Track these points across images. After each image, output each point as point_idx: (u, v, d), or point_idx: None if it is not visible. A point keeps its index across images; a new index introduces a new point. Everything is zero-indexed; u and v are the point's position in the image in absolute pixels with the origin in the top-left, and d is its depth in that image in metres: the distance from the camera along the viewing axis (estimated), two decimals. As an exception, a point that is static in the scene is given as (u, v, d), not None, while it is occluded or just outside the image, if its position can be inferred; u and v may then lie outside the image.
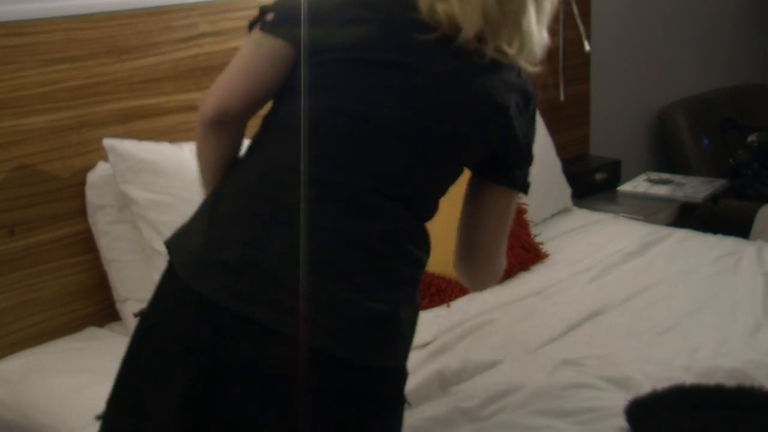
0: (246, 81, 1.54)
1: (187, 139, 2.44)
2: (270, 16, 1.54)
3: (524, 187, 1.64)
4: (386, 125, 1.50)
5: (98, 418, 1.62)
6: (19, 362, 2.26)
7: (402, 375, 1.56)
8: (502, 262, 1.70)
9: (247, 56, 1.55)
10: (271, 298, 1.44)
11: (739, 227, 3.31)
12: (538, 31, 1.55)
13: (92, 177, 2.37)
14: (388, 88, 1.51)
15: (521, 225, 2.81)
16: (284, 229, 1.47)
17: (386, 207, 1.50)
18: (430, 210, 1.60)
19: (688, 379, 2.01)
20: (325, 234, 1.47)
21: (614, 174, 3.70)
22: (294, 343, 1.42)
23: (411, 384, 2.05)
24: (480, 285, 1.75)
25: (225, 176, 1.58)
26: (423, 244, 1.58)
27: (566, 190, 3.26)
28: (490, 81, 1.54)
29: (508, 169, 1.61)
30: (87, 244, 2.40)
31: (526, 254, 2.77)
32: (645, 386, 1.99)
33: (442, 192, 1.60)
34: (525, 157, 1.62)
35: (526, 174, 1.64)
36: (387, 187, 1.51)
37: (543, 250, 2.84)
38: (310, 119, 1.51)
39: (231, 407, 1.46)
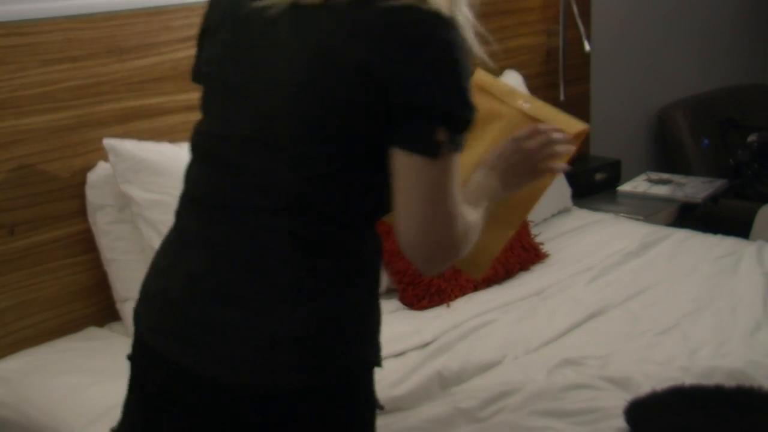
0: None
1: (186, 139, 2.43)
2: None
3: (427, 149, 1.32)
4: (248, 137, 1.41)
5: None
6: (19, 362, 2.26)
7: (332, 390, 1.43)
8: (448, 238, 1.38)
9: None
10: (172, 327, 1.44)
11: (739, 227, 3.31)
12: None
13: (92, 177, 2.37)
14: (240, 97, 1.43)
15: (521, 225, 2.81)
16: (186, 258, 1.46)
17: (276, 222, 1.39)
18: (350, 208, 1.41)
19: (688, 379, 2.01)
20: (219, 259, 1.43)
21: (614, 174, 3.70)
22: (190, 374, 1.41)
23: (410, 384, 2.06)
24: (424, 267, 1.43)
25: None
26: (337, 249, 1.42)
27: (566, 190, 3.26)
28: (334, 34, 1.32)
29: (402, 128, 1.33)
30: (87, 244, 2.40)
31: (526, 254, 2.77)
32: (645, 386, 1.99)
33: (357, 183, 1.39)
34: (419, 112, 1.31)
35: (429, 132, 1.31)
36: (272, 201, 1.39)
37: (543, 250, 2.84)
38: (196, 144, 1.51)
39: None
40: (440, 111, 1.31)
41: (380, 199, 1.41)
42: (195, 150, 1.51)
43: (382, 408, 1.57)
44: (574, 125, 1.76)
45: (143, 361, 1.50)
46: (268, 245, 1.40)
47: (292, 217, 1.39)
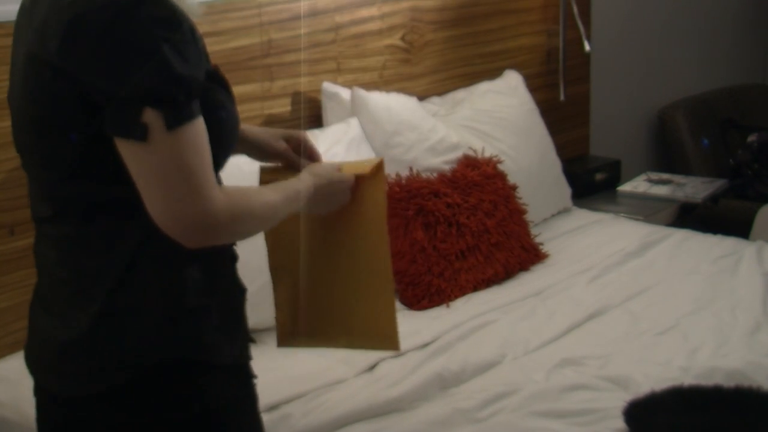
0: None
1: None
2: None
3: (135, 133, 1.27)
4: (21, 152, 1.49)
5: None
6: (19, 362, 2.23)
7: (127, 392, 1.41)
8: (199, 215, 1.32)
9: None
10: (27, 337, 1.54)
11: (739, 227, 3.31)
12: None
13: (92, 177, 2.37)
14: (10, 114, 1.49)
15: (521, 225, 2.82)
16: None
17: (48, 230, 1.45)
18: (102, 203, 1.37)
19: (688, 379, 2.01)
20: (38, 271, 1.52)
21: (614, 174, 3.70)
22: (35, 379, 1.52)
23: (410, 384, 2.06)
24: (186, 244, 1.35)
25: None
26: (100, 247, 1.39)
27: (566, 190, 3.26)
28: (32, 36, 1.33)
29: (108, 116, 1.29)
30: (87, 244, 2.40)
31: (526, 254, 2.77)
32: (644, 386, 1.99)
33: (97, 177, 1.36)
34: (116, 99, 1.27)
35: (133, 115, 1.27)
36: (46, 208, 1.44)
37: (543, 251, 2.85)
38: None
39: None
40: (140, 92, 1.26)
41: (128, 188, 1.36)
42: None
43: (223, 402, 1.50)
44: (366, 165, 1.74)
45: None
46: (56, 252, 1.45)
47: (64, 219, 1.42)
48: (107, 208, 1.38)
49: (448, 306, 2.52)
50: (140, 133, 1.27)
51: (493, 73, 3.32)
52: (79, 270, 1.41)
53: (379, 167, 1.71)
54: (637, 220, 3.26)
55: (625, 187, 3.65)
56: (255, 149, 1.74)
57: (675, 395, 1.92)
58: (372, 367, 2.16)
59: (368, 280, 1.77)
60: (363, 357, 2.15)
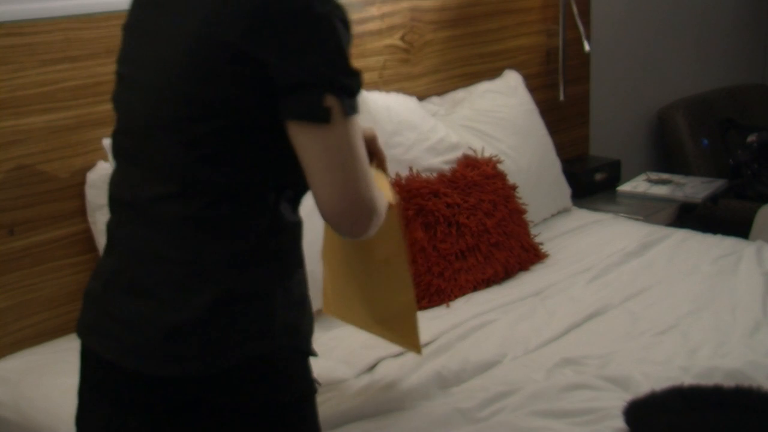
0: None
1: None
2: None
3: (318, 116, 1.35)
4: (146, 126, 1.47)
5: None
6: (19, 362, 2.26)
7: (236, 376, 1.45)
8: (367, 198, 1.40)
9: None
10: (97, 324, 1.51)
11: (739, 227, 3.31)
12: None
13: (92, 176, 2.37)
14: (137, 86, 1.50)
15: (521, 225, 2.82)
16: (109, 259, 1.53)
17: (167, 209, 1.44)
18: (244, 187, 1.41)
19: (688, 379, 2.01)
20: (131, 254, 1.49)
21: (614, 174, 3.70)
22: (113, 367, 1.48)
23: (410, 384, 2.06)
24: (351, 231, 1.43)
25: None
26: (233, 230, 1.43)
27: (566, 190, 3.26)
28: (211, 16, 1.36)
29: (290, 101, 1.37)
30: (87, 244, 2.40)
31: (525, 254, 2.77)
32: (644, 386, 1.99)
33: (248, 161, 1.41)
34: (303, 83, 1.35)
35: (317, 100, 1.35)
36: (169, 186, 1.43)
37: (543, 250, 2.85)
38: (112, 146, 1.57)
39: None
40: (324, 79, 1.35)
41: (276, 176, 1.44)
42: (112, 153, 1.58)
43: (319, 384, 1.59)
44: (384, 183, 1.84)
45: (81, 362, 1.57)
46: (168, 233, 1.45)
47: (189, 201, 1.43)
48: (237, 193, 1.42)
49: (448, 306, 2.52)
50: (325, 116, 1.34)
51: (493, 73, 3.32)
52: (200, 252, 1.43)
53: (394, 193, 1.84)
54: (637, 220, 3.26)
55: (625, 187, 3.65)
56: None
57: (675, 395, 1.92)
58: (372, 367, 2.16)
59: (390, 294, 1.93)
60: (363, 357, 2.15)
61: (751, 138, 3.96)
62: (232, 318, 1.43)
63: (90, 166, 2.38)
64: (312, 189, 1.40)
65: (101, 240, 2.37)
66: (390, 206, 1.71)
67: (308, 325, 1.54)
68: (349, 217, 1.39)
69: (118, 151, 1.55)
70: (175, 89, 1.42)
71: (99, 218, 2.37)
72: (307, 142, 1.36)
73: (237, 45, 1.35)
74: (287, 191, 1.48)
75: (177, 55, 1.41)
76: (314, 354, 1.55)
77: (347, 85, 1.37)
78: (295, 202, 1.52)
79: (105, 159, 2.37)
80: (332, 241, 2.00)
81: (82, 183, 2.37)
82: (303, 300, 1.53)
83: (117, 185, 1.54)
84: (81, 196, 2.37)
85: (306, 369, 1.54)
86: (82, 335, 1.55)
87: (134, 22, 1.54)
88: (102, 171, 2.37)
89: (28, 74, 2.24)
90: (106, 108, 2.36)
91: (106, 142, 2.34)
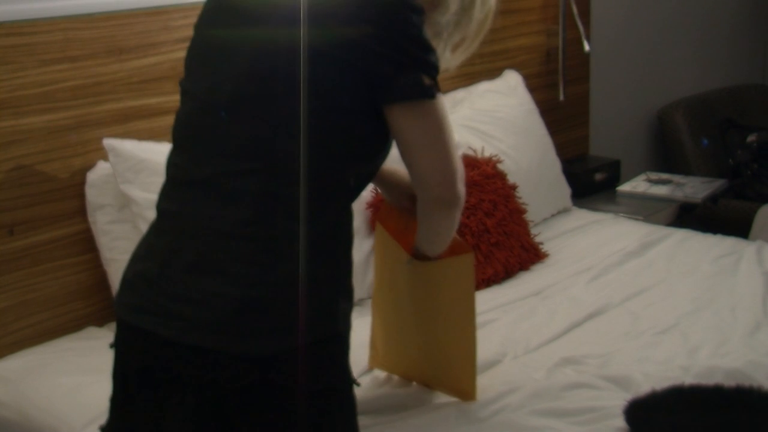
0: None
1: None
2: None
3: (416, 93, 1.48)
4: (232, 99, 1.50)
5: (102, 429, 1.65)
6: (19, 362, 2.26)
7: (311, 355, 1.47)
8: (451, 187, 1.53)
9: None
10: (152, 304, 1.49)
11: (739, 227, 3.31)
12: None
13: (92, 176, 2.37)
14: (225, 59, 1.53)
15: (521, 225, 2.82)
16: (164, 240, 1.53)
17: (243, 185, 1.46)
18: (330, 172, 1.48)
19: (688, 379, 2.01)
20: (195, 232, 1.49)
21: (614, 174, 3.70)
22: (173, 345, 1.47)
23: (410, 383, 2.05)
24: (460, 202, 1.57)
25: None
26: (312, 212, 1.47)
27: (566, 190, 3.26)
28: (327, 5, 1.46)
29: (396, 85, 1.47)
30: (87, 244, 2.40)
31: (526, 254, 2.77)
32: (644, 386, 1.99)
33: (339, 146, 1.48)
34: (406, 67, 1.47)
35: (415, 79, 1.48)
36: (252, 162, 1.46)
37: (543, 250, 2.85)
38: (178, 126, 1.59)
39: (144, 415, 1.53)
40: (420, 62, 1.48)
41: (356, 162, 1.51)
42: (177, 133, 1.58)
43: (358, 384, 1.63)
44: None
45: (125, 344, 1.55)
46: (243, 208, 1.46)
47: (270, 177, 1.45)
48: (319, 175, 1.46)
49: (448, 306, 2.52)
50: (430, 92, 1.48)
51: (493, 73, 3.32)
52: (276, 229, 1.46)
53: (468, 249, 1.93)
54: (637, 220, 3.26)
55: (625, 187, 3.65)
56: (384, 186, 1.91)
57: (675, 395, 1.92)
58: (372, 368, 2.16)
59: (450, 338, 1.98)
60: (363, 357, 2.15)
61: (751, 138, 3.96)
62: (303, 298, 1.45)
63: (90, 166, 2.38)
64: (415, 164, 1.51)
65: (101, 240, 2.37)
66: (468, 250, 1.91)
67: (350, 317, 1.59)
68: (450, 184, 1.51)
69: (188, 131, 1.55)
70: (270, 68, 1.47)
71: (99, 218, 2.37)
72: (412, 120, 1.48)
73: (344, 27, 1.44)
74: (359, 183, 1.56)
75: (285, 32, 1.46)
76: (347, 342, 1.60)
77: (434, 65, 1.50)
78: (357, 193, 1.58)
79: (105, 159, 2.37)
80: (392, 284, 2.01)
81: (82, 183, 2.37)
82: (353, 293, 1.59)
83: (178, 165, 1.56)
84: (81, 196, 2.37)
85: (349, 359, 1.59)
86: (128, 316, 1.53)
87: (213, 10, 1.58)
88: (102, 171, 2.37)
89: (28, 74, 2.24)
90: (106, 108, 2.39)
91: (107, 143, 2.34)
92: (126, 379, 1.55)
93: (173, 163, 1.57)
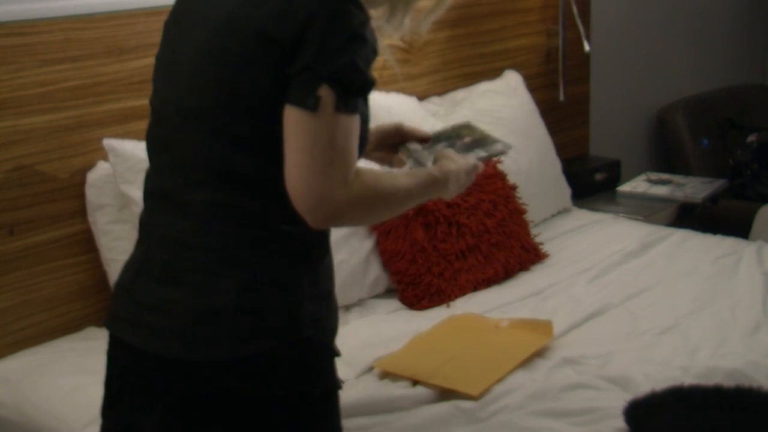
0: None
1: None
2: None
3: (306, 103, 1.40)
4: (178, 114, 1.51)
5: None
6: (19, 362, 2.26)
7: (261, 362, 1.48)
8: (330, 191, 1.41)
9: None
10: (126, 313, 1.54)
11: (739, 227, 3.31)
12: None
13: (92, 176, 2.37)
14: (172, 75, 1.55)
15: (521, 225, 2.82)
16: (139, 249, 1.58)
17: (195, 197, 1.48)
18: (273, 177, 1.44)
19: (688, 379, 2.01)
20: (161, 243, 1.53)
21: (614, 174, 3.69)
22: (143, 353, 1.50)
23: (410, 384, 2.05)
24: (309, 218, 1.44)
25: None
26: (262, 219, 1.47)
27: (566, 191, 3.26)
28: (240, 4, 1.44)
29: (291, 86, 1.42)
30: (87, 244, 2.40)
31: (526, 254, 2.77)
32: (644, 386, 1.99)
33: (276, 151, 1.44)
34: (305, 70, 1.41)
35: (311, 88, 1.40)
36: (199, 174, 1.48)
37: (543, 251, 2.85)
38: (147, 139, 1.61)
39: (124, 421, 1.58)
40: (325, 70, 1.40)
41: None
42: (147, 146, 1.61)
43: (339, 387, 1.61)
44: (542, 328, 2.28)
45: (109, 352, 1.60)
46: (197, 220, 1.49)
47: (216, 188, 1.47)
48: (263, 182, 1.46)
49: (448, 306, 2.52)
50: (312, 104, 1.39)
51: (493, 73, 3.31)
52: (227, 239, 1.47)
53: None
54: (637, 220, 3.26)
55: (625, 188, 3.65)
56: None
57: (675, 395, 1.92)
58: (372, 368, 2.16)
59: (496, 357, 2.14)
60: (364, 358, 2.15)
61: (751, 138, 3.96)
62: (259, 305, 1.47)
63: (90, 166, 2.38)
64: (285, 169, 1.42)
65: (101, 240, 2.37)
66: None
67: (334, 321, 1.57)
68: (306, 203, 1.41)
69: (151, 143, 1.59)
70: (205, 76, 1.47)
71: (99, 218, 2.37)
72: (290, 124, 1.41)
73: (267, 29, 1.41)
74: None
75: (207, 42, 1.47)
76: (338, 353, 1.58)
77: (347, 82, 1.41)
78: None
79: (105, 159, 2.37)
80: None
81: (82, 183, 2.37)
82: (329, 295, 1.56)
83: (149, 177, 1.59)
84: (81, 196, 2.37)
85: (331, 365, 1.57)
86: (110, 325, 1.58)
87: (173, 16, 1.61)
88: (102, 171, 2.37)
89: (29, 74, 2.24)
90: (106, 108, 2.39)
91: (107, 143, 2.34)
92: (110, 387, 1.60)
93: (146, 174, 1.61)
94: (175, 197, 1.51)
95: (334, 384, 1.58)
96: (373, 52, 1.47)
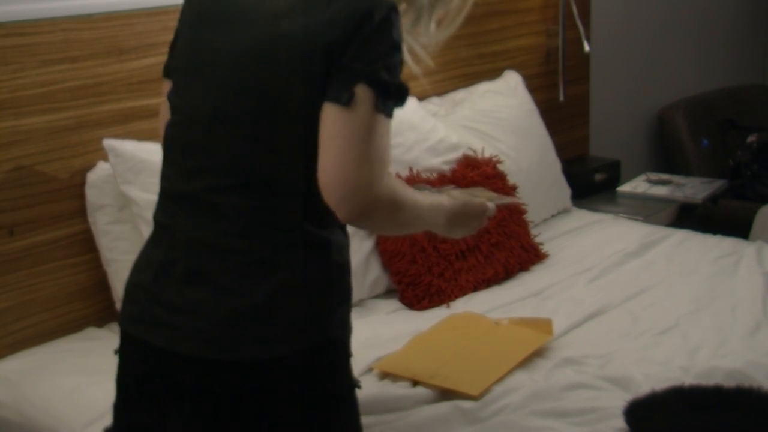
0: None
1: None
2: None
3: (341, 98, 1.42)
4: (212, 116, 1.52)
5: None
6: (19, 362, 2.26)
7: (294, 362, 1.49)
8: (363, 180, 1.42)
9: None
10: (148, 314, 1.54)
11: (739, 228, 3.31)
12: None
13: (92, 177, 2.37)
14: (205, 77, 1.55)
15: (521, 225, 2.82)
16: (158, 250, 1.57)
17: (227, 200, 1.50)
18: (308, 181, 1.46)
19: (688, 379, 2.01)
20: (188, 244, 1.53)
21: (614, 174, 3.70)
22: (168, 353, 1.51)
23: (410, 384, 2.05)
24: (339, 207, 1.45)
25: None
26: (297, 222, 1.49)
27: (566, 191, 3.26)
28: (286, 8, 1.47)
29: (330, 86, 1.44)
30: (87, 245, 2.40)
31: (526, 254, 2.77)
32: (644, 386, 1.99)
33: (314, 156, 1.45)
34: (344, 70, 1.43)
35: (348, 86, 1.43)
36: (234, 177, 1.49)
37: (543, 251, 2.85)
38: (167, 139, 1.61)
39: (145, 422, 1.57)
40: (364, 70, 1.42)
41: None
42: (166, 147, 1.61)
43: (359, 387, 1.62)
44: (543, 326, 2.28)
45: (126, 353, 1.59)
46: (231, 222, 1.49)
47: (250, 192, 1.48)
48: (297, 185, 1.48)
49: (448, 306, 2.52)
50: (347, 100, 1.41)
51: (493, 74, 3.32)
52: (260, 241, 1.48)
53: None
54: (637, 220, 3.26)
55: (625, 188, 3.65)
56: None
57: (675, 395, 1.92)
58: (372, 369, 2.16)
59: (497, 355, 2.14)
60: (364, 358, 2.15)
61: (751, 138, 3.96)
62: (291, 306, 1.48)
63: (90, 167, 2.38)
64: (318, 163, 1.43)
65: (101, 240, 2.37)
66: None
67: (350, 323, 1.59)
68: (340, 195, 1.42)
69: (173, 145, 1.58)
70: (247, 82, 1.48)
71: (99, 218, 2.37)
72: (326, 120, 1.42)
73: (316, 38, 1.43)
74: None
75: (252, 48, 1.48)
76: (351, 353, 1.60)
77: (384, 83, 1.43)
78: None
79: (105, 159, 2.37)
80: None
81: (82, 183, 2.37)
82: (350, 297, 1.58)
83: (169, 178, 1.58)
84: (81, 196, 2.37)
85: (350, 364, 1.59)
86: (128, 326, 1.57)
87: (199, 16, 1.59)
88: (102, 171, 2.37)
89: (29, 74, 2.24)
90: (106, 108, 2.39)
91: (107, 143, 2.34)
92: (127, 388, 1.58)
93: (164, 175, 1.60)
94: (204, 199, 1.51)
95: (353, 383, 1.60)
96: (402, 57, 1.50)
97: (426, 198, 1.60)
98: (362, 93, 1.42)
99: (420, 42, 1.65)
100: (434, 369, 2.06)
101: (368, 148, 1.42)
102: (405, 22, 1.60)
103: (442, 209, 1.63)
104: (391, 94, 1.45)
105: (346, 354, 1.58)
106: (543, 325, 2.26)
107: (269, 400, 1.49)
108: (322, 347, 1.51)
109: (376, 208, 1.44)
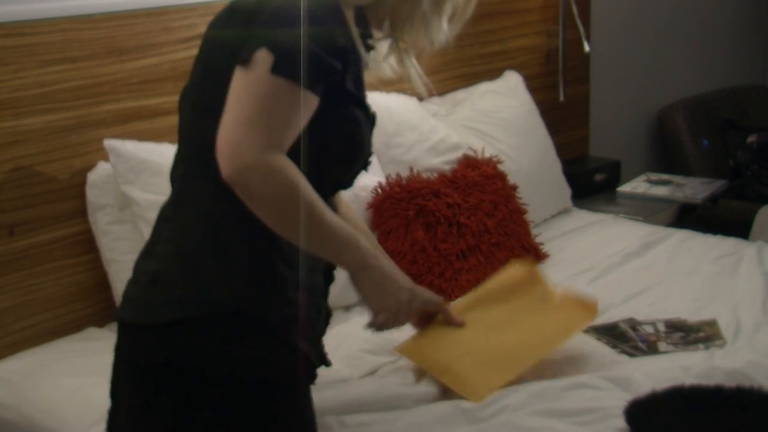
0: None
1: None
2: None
3: (241, 59, 1.48)
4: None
5: None
6: (19, 363, 2.26)
7: (208, 323, 1.52)
8: (245, 145, 1.43)
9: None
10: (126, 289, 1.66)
11: (739, 228, 3.31)
12: None
13: (92, 177, 2.37)
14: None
15: (521, 225, 2.82)
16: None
17: (177, 171, 1.65)
18: (197, 148, 1.57)
19: (688, 379, 2.01)
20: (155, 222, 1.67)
21: (614, 175, 3.70)
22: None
23: (411, 383, 2.05)
24: (224, 168, 1.46)
25: None
26: (222, 189, 1.49)
27: (566, 191, 3.26)
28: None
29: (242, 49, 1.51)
30: (87, 245, 2.40)
31: (526, 255, 2.76)
32: (645, 386, 1.99)
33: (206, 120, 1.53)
34: (251, 36, 1.49)
35: (251, 49, 1.47)
36: (180, 150, 1.66)
37: (543, 251, 2.84)
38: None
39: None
40: (267, 36, 1.47)
41: None
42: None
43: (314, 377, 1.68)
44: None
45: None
46: (174, 193, 1.64)
47: (194, 161, 1.59)
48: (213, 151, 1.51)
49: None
50: (245, 61, 1.46)
51: (493, 74, 3.32)
52: (188, 208, 1.58)
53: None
54: (637, 220, 3.26)
55: (625, 188, 3.65)
56: None
57: (676, 395, 1.91)
58: (374, 371, 2.15)
59: (511, 354, 2.06)
60: (366, 361, 2.15)
61: (751, 139, 3.96)
62: (197, 273, 1.53)
63: (90, 167, 2.38)
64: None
65: (102, 240, 2.37)
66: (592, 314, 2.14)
67: (289, 308, 1.57)
68: (226, 151, 1.44)
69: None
70: (196, 60, 1.64)
71: (99, 218, 2.37)
72: (231, 83, 1.48)
73: (234, 3, 1.59)
74: None
75: (209, 28, 1.66)
76: (302, 350, 1.59)
77: (290, 50, 1.45)
78: None
79: (105, 159, 2.37)
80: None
81: (82, 183, 2.37)
82: (280, 276, 1.56)
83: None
84: (81, 196, 2.37)
85: (269, 349, 1.55)
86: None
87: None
88: (102, 171, 2.37)
89: (28, 75, 2.24)
90: (107, 108, 2.39)
91: (107, 143, 2.34)
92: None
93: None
94: (171, 176, 1.66)
95: (275, 372, 1.57)
96: (342, 48, 1.53)
97: (337, 220, 1.57)
98: (261, 56, 1.46)
99: (436, 40, 1.72)
100: (448, 362, 2.02)
101: (257, 112, 1.44)
102: (416, 31, 1.70)
103: (355, 248, 1.61)
104: (296, 62, 1.45)
105: (264, 332, 1.55)
106: (588, 306, 2.18)
107: (181, 378, 1.54)
108: (228, 317, 1.52)
109: (252, 172, 1.43)
